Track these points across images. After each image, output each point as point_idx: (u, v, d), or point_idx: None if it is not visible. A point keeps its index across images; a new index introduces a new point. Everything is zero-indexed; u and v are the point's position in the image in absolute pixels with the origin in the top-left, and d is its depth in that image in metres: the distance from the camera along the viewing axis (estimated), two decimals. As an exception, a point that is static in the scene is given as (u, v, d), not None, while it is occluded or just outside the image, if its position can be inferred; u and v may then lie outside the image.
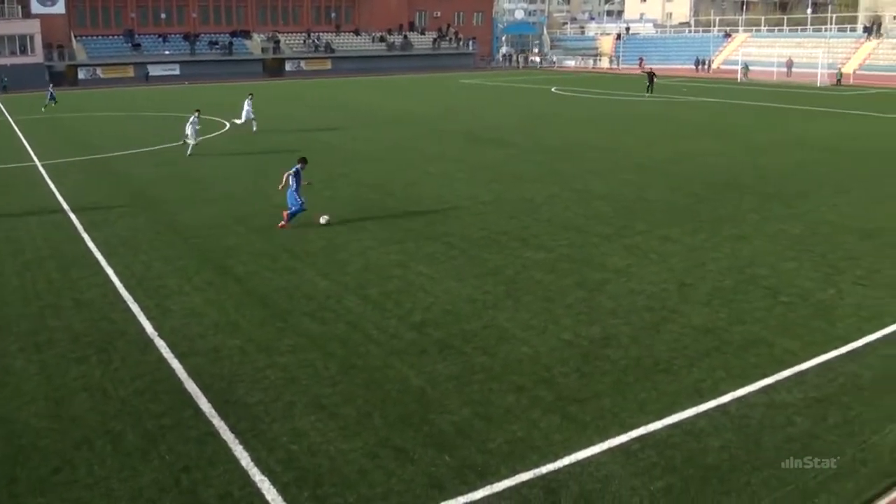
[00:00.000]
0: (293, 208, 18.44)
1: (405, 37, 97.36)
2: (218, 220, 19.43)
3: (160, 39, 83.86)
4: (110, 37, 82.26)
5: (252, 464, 8.46)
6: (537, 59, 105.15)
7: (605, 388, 10.19)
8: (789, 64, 73.44)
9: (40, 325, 12.58)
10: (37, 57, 75.38)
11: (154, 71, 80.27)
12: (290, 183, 18.46)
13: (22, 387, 10.39)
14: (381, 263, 15.73)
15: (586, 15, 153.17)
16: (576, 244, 16.97)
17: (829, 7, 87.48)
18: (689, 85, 64.34)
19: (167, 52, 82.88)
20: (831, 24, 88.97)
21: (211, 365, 11.01)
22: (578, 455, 8.57)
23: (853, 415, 9.41)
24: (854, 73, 72.27)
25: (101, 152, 31.04)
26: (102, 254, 16.57)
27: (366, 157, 28.90)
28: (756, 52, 79.69)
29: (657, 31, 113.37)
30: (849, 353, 11.24)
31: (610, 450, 8.68)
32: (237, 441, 8.91)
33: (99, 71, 78.81)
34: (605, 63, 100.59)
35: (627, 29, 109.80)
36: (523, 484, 8.08)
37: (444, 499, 7.86)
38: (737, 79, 70.37)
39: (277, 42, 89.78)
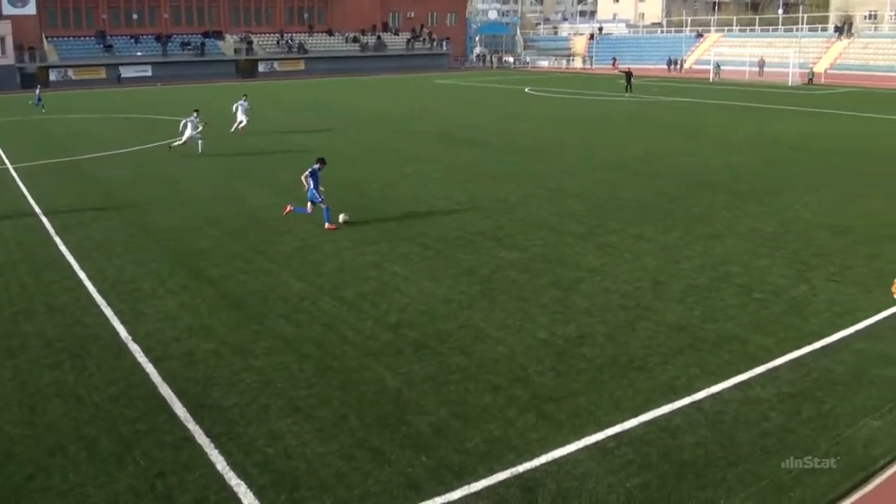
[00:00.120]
0: (317, 201, 18.64)
1: (379, 37, 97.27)
2: (191, 222, 19.31)
3: (132, 40, 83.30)
4: (82, 38, 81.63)
5: (228, 468, 8.41)
6: (511, 59, 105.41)
7: (581, 386, 10.23)
8: (761, 63, 74.08)
9: (13, 331, 12.44)
10: (7, 59, 74.60)
11: (126, 72, 79.65)
12: (308, 184, 18.54)
13: (-6, 393, 10.28)
14: (356, 264, 15.70)
15: (559, 15, 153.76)
16: (550, 243, 17.02)
17: (801, 7, 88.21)
18: (661, 85, 64.73)
19: (139, 54, 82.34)
20: (802, 23, 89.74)
21: (185, 369, 10.93)
22: (555, 453, 8.59)
23: (827, 409, 9.51)
24: (825, 72, 73.01)
25: (74, 154, 30.76)
26: (75, 257, 16.42)
27: (340, 159, 28.77)
28: (728, 51, 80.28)
29: (630, 32, 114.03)
30: (822, 348, 11.35)
31: (586, 448, 8.72)
32: (213, 445, 8.85)
33: (70, 72, 78.13)
34: (578, 63, 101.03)
35: (600, 29, 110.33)
36: (500, 483, 8.09)
37: (422, 499, 7.85)
38: (709, 78, 70.86)
39: (250, 43, 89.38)
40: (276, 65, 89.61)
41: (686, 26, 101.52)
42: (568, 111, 46.84)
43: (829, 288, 13.93)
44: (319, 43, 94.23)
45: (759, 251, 16.24)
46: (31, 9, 77.92)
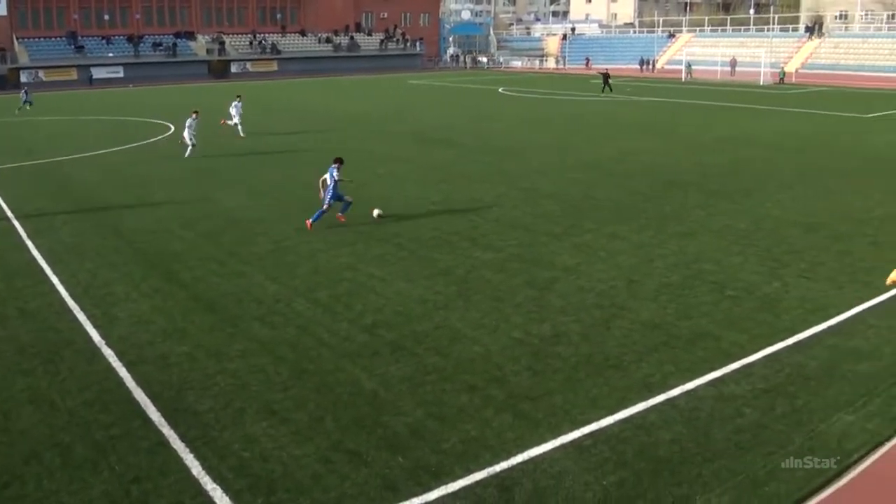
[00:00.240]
0: (343, 199, 18.63)
1: (352, 38, 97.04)
2: (164, 224, 19.17)
3: (103, 41, 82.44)
4: (53, 39, 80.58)
5: (203, 472, 8.36)
6: (485, 59, 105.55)
7: (557, 385, 10.26)
8: (733, 63, 74.60)
9: (-17, 336, 12.31)
10: (-22, 60, 73.72)
11: (98, 73, 78.73)
12: (328, 184, 18.46)
13: (-35, 399, 10.16)
14: (330, 266, 15.66)
15: (532, 16, 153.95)
16: (525, 243, 17.06)
17: (772, 7, 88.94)
18: (634, 85, 65.00)
19: (111, 55, 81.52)
20: (774, 24, 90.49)
21: (160, 373, 10.86)
22: (531, 452, 8.62)
23: (800, 404, 9.60)
24: (796, 71, 73.64)
25: (45, 157, 30.40)
26: (47, 262, 16.25)
27: (314, 159, 28.67)
28: (700, 51, 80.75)
29: (602, 32, 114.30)
30: (795, 344, 11.46)
31: (562, 446, 8.75)
32: (188, 450, 8.79)
33: (41, 74, 77.08)
34: (551, 63, 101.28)
35: (573, 29, 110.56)
36: (478, 483, 8.10)
37: (399, 500, 7.85)
38: (681, 78, 71.29)
39: (222, 43, 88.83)
40: (248, 65, 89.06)
41: (658, 27, 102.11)
42: (542, 111, 46.97)
43: (801, 284, 14.06)
44: (292, 43, 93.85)
45: (731, 249, 16.36)
46: (1, 9, 76.96)
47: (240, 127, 35.18)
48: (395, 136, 35.48)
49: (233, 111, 35.44)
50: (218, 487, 8.08)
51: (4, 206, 21.60)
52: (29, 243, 17.75)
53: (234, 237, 17.92)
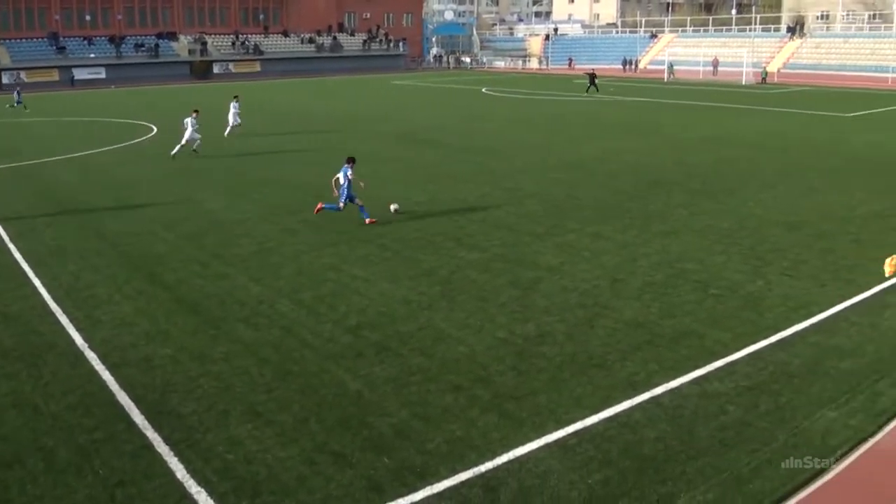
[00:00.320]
0: (354, 200, 18.67)
1: (335, 38, 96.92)
2: (147, 226, 19.07)
3: (85, 42, 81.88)
4: (34, 39, 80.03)
5: (188, 475, 8.32)
6: (468, 59, 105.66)
7: (541, 384, 10.28)
8: (715, 63, 75.03)
9: (-36, 340, 12.21)
10: (-43, 61, 73.15)
11: (79, 74, 78.30)
12: (341, 183, 18.51)
13: (-54, 403, 10.07)
14: (314, 267, 15.63)
15: (515, 16, 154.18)
16: (509, 243, 17.08)
17: (754, 8, 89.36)
18: (617, 85, 65.19)
19: (92, 55, 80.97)
20: (756, 24, 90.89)
21: (143, 375, 10.80)
22: (517, 452, 8.63)
23: (784, 401, 9.65)
24: (778, 71, 74.19)
25: (27, 159, 30.19)
26: (29, 264, 16.13)
27: (297, 160, 28.67)
28: (682, 51, 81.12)
29: (585, 32, 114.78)
30: (778, 342, 11.52)
31: (547, 445, 8.77)
32: (172, 453, 8.75)
33: (23, 74, 76.48)
34: (534, 64, 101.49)
35: (556, 30, 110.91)
36: (463, 483, 8.10)
37: (384, 501, 7.84)
38: (664, 78, 71.54)
39: (205, 44, 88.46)
40: (231, 66, 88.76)
41: (640, 27, 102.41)
42: (525, 111, 47.03)
43: (784, 283, 14.14)
44: (275, 44, 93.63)
45: (714, 248, 16.43)
46: (-19, 10, 76.55)
47: (229, 128, 35.08)
48: (378, 137, 35.42)
49: (230, 112, 35.35)
50: (203, 490, 8.05)
51: (-15, 209, 21.43)
52: (11, 246, 17.60)
53: (217, 239, 17.85)
